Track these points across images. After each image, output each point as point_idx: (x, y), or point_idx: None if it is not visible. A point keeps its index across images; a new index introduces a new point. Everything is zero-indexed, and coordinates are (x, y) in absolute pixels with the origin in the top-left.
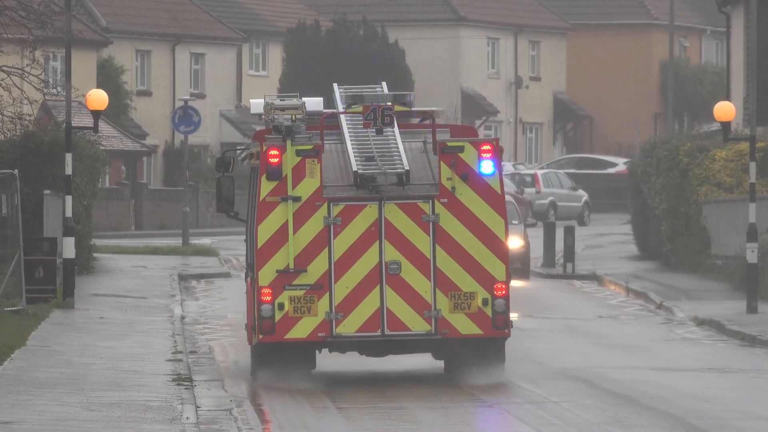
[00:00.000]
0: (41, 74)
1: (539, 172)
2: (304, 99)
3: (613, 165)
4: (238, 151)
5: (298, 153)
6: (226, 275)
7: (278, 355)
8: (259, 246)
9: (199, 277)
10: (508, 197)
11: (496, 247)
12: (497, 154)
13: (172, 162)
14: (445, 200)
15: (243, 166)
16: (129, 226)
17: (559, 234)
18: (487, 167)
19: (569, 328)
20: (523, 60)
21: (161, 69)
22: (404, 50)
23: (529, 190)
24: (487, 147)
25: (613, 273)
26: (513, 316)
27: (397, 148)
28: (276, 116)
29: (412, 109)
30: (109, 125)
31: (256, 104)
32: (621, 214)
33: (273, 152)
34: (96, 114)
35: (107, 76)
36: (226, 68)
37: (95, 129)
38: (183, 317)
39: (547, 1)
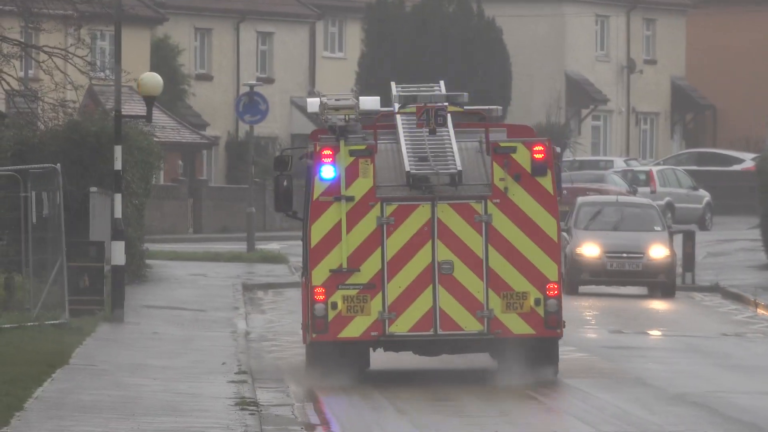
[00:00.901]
0: (87, 55)
1: (654, 169)
2: (361, 98)
3: (740, 161)
4: (297, 150)
5: (351, 153)
6: (297, 285)
7: (332, 353)
8: (312, 245)
9: (266, 287)
10: (646, 201)
11: (549, 247)
12: (550, 155)
13: (235, 156)
14: (498, 201)
15: (302, 164)
16: (186, 228)
17: (678, 240)
18: (539, 168)
19: (688, 347)
20: (636, 41)
21: (224, 50)
22: (502, 29)
23: (643, 190)
24: (539, 148)
25: (739, 284)
26: (623, 333)
27: (451, 148)
28: (330, 116)
29: (465, 108)
30: (164, 114)
31: (312, 103)
32: (748, 217)
33: (326, 152)
34: (149, 101)
35: (162, 58)
36: (297, 49)
37: (148, 118)
38: (248, 333)
39: None
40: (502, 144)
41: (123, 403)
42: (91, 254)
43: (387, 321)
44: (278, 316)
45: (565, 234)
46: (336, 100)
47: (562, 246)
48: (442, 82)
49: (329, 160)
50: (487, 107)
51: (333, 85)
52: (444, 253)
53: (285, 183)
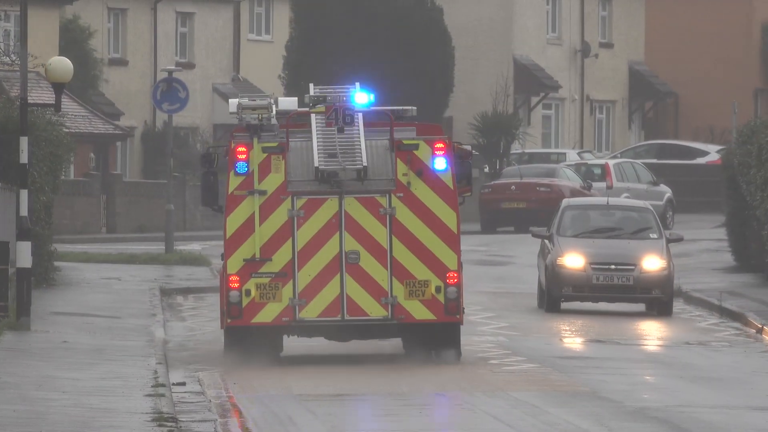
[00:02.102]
0: None
1: (611, 163)
2: (280, 99)
3: (704, 154)
4: (223, 144)
5: (264, 150)
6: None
7: (246, 338)
8: (227, 236)
9: (186, 291)
10: (642, 204)
11: (448, 238)
12: (450, 152)
13: (152, 148)
14: (401, 195)
15: (227, 161)
16: (99, 227)
17: None
18: (440, 164)
19: (648, 356)
20: (591, 22)
21: (139, 32)
22: (442, 9)
23: (599, 185)
24: (440, 145)
25: (703, 288)
26: (578, 342)
27: (359, 145)
28: (245, 115)
29: (371, 108)
30: (74, 102)
31: (232, 104)
32: (713, 215)
33: (240, 149)
34: (58, 88)
35: (72, 41)
36: (220, 31)
37: (57, 107)
38: (166, 341)
39: None
40: (405, 141)
41: (28, 419)
42: None
43: (297, 307)
44: (199, 324)
45: (546, 242)
46: (251, 100)
47: (544, 255)
48: (357, 84)
49: (243, 156)
50: (401, 107)
51: (259, 71)
52: (351, 244)
53: (211, 179)
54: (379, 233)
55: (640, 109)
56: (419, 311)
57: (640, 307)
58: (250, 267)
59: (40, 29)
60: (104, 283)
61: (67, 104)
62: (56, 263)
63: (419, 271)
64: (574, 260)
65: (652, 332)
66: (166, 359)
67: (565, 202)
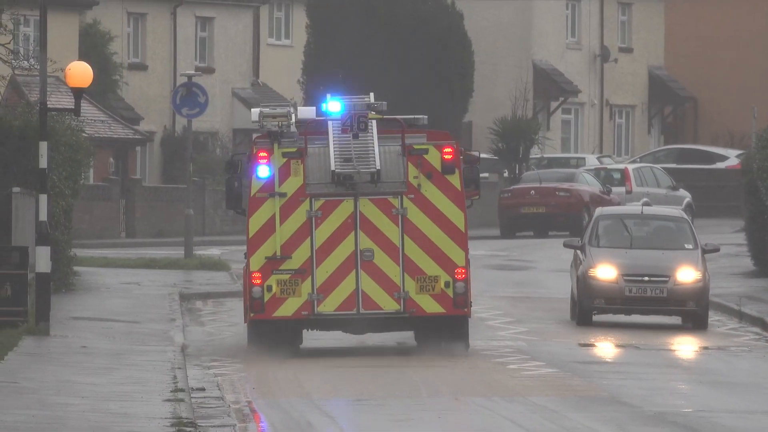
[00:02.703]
0: (9, 43)
1: (630, 167)
2: (300, 108)
3: (723, 158)
4: (246, 152)
5: (284, 155)
6: (239, 294)
7: (268, 331)
8: (250, 236)
9: (206, 296)
10: (678, 213)
11: (457, 236)
12: (458, 155)
13: (172, 153)
14: (412, 196)
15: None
16: (118, 232)
17: None
18: (448, 167)
19: (667, 361)
20: (610, 27)
21: (159, 37)
22: (463, 14)
23: (618, 190)
24: (448, 149)
25: (723, 293)
26: (597, 347)
27: (373, 150)
28: (266, 123)
29: (383, 116)
30: (93, 107)
31: (254, 112)
32: (733, 219)
33: (262, 154)
34: (78, 93)
35: (92, 46)
36: (239, 36)
37: (77, 111)
38: (185, 346)
39: None
40: (416, 146)
41: (48, 423)
42: (14, 261)
43: (316, 302)
44: (218, 329)
45: (579, 253)
46: (272, 108)
47: (576, 266)
48: (371, 94)
49: (264, 161)
50: (413, 116)
51: (278, 75)
52: (365, 242)
53: (235, 184)
54: (392, 232)
55: (660, 113)
56: (429, 305)
57: (675, 320)
58: (272, 264)
59: (59, 34)
60: (123, 288)
61: (87, 109)
62: (75, 268)
63: (429, 267)
64: (606, 271)
65: (672, 338)
66: (186, 364)
67: (598, 211)
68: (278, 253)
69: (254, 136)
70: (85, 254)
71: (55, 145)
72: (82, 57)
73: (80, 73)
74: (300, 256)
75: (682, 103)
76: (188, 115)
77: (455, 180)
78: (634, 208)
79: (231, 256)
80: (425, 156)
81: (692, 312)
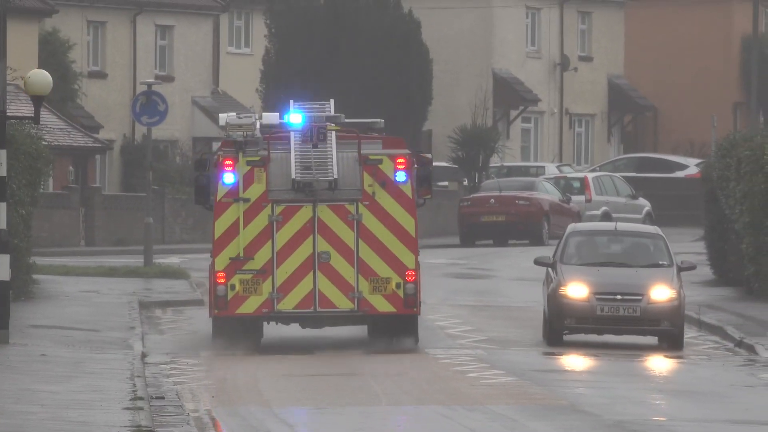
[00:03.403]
0: None
1: (590, 176)
2: (264, 114)
3: (683, 167)
4: (215, 153)
5: (248, 163)
6: (199, 303)
7: (231, 326)
8: (215, 238)
9: (165, 305)
10: (653, 229)
11: (408, 241)
12: (410, 165)
13: (131, 161)
14: (367, 203)
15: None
16: (78, 240)
17: None
18: (400, 176)
19: (626, 370)
20: (570, 35)
21: (119, 45)
22: (420, 22)
23: (578, 198)
24: (401, 160)
25: None
26: (556, 355)
27: (332, 159)
28: (231, 132)
29: (344, 122)
30: (53, 115)
31: (222, 118)
32: (692, 228)
33: (228, 162)
34: (37, 101)
35: (51, 54)
36: (199, 44)
37: (36, 119)
38: (144, 355)
39: None
40: (371, 156)
41: None
42: None
43: (276, 300)
44: (177, 337)
45: (550, 270)
46: (239, 117)
47: (548, 284)
48: (332, 101)
49: (230, 168)
50: (369, 120)
51: (238, 83)
52: (323, 245)
53: (204, 181)
54: (348, 236)
55: (620, 122)
56: (382, 304)
57: (651, 340)
58: (235, 265)
59: (18, 42)
60: (83, 296)
61: (46, 117)
62: (35, 276)
63: (382, 269)
64: (577, 290)
65: (631, 347)
66: (145, 372)
67: (570, 227)
68: (241, 254)
69: (219, 143)
70: (45, 262)
71: (15, 153)
72: (42, 65)
73: (40, 81)
74: (262, 257)
75: (642, 111)
76: (148, 123)
77: (407, 188)
78: (606, 224)
79: (191, 265)
80: (380, 166)
81: (667, 332)
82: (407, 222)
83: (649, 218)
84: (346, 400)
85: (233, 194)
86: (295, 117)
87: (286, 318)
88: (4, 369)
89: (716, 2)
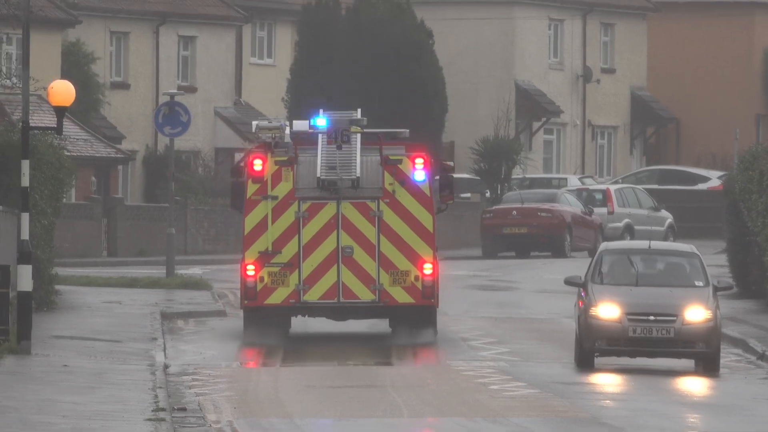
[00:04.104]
0: None
1: (612, 188)
2: (295, 121)
3: (705, 179)
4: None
5: (276, 163)
6: (221, 314)
7: (260, 316)
8: (245, 233)
9: (187, 315)
10: (688, 248)
11: (426, 236)
12: (428, 165)
13: (154, 172)
14: (388, 200)
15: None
16: (100, 251)
17: None
18: (419, 175)
19: (649, 383)
20: (593, 47)
21: (142, 55)
22: (431, 31)
23: (600, 210)
24: (419, 160)
25: None
26: (579, 368)
27: (355, 160)
28: (261, 134)
29: (364, 131)
30: (76, 125)
31: (254, 125)
32: (714, 240)
33: (257, 161)
34: (60, 111)
35: (74, 64)
36: (222, 55)
37: (59, 130)
38: (166, 366)
39: None
40: (391, 157)
41: None
42: None
43: (302, 291)
44: (200, 348)
45: (581, 290)
46: (269, 122)
47: (577, 306)
48: (359, 110)
49: (260, 168)
50: (394, 130)
51: (261, 94)
52: (346, 240)
53: (240, 187)
54: (369, 232)
55: (642, 134)
56: (401, 295)
57: (687, 364)
58: (264, 258)
59: (42, 52)
60: (105, 307)
61: (69, 128)
62: (57, 287)
63: (401, 263)
64: (608, 310)
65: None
66: (167, 383)
67: (602, 246)
68: (270, 249)
69: (254, 145)
70: (67, 273)
71: (38, 163)
72: (65, 75)
73: (62, 91)
74: (289, 251)
75: (665, 123)
76: (170, 134)
77: (425, 187)
78: (640, 243)
79: (213, 275)
80: (399, 165)
81: (702, 354)
82: (425, 218)
83: (671, 230)
84: (367, 412)
85: (262, 192)
86: (321, 120)
87: (311, 309)
88: (26, 380)
89: (738, 14)
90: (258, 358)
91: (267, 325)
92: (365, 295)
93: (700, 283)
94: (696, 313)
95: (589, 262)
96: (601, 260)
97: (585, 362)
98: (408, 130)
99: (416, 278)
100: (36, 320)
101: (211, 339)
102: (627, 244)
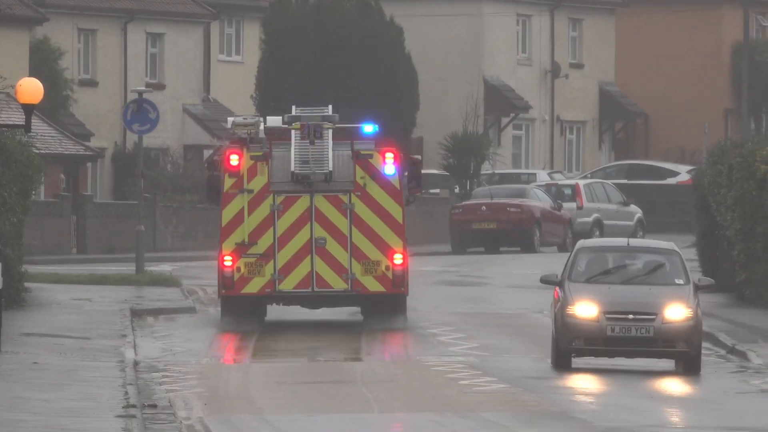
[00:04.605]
0: None
1: (581, 183)
2: (268, 117)
3: (674, 174)
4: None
5: (251, 158)
6: (191, 310)
7: (237, 305)
8: (223, 225)
9: (157, 312)
10: (668, 245)
11: (396, 227)
12: (397, 159)
13: (123, 169)
14: (359, 193)
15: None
16: (69, 248)
17: None
18: (389, 169)
19: (617, 377)
20: (561, 42)
21: (109, 53)
22: (402, 28)
23: (569, 205)
24: (389, 154)
25: None
26: (548, 362)
27: (327, 154)
28: (237, 130)
29: (336, 125)
30: (44, 123)
31: (229, 121)
32: (684, 235)
33: (233, 156)
34: (28, 109)
35: (42, 62)
36: (190, 52)
37: (27, 128)
38: (137, 363)
39: None
40: (362, 152)
41: None
42: None
43: (277, 281)
44: (170, 344)
45: (558, 289)
46: (243, 119)
47: (555, 304)
48: (330, 106)
49: (236, 162)
50: (361, 125)
51: (229, 91)
52: (319, 231)
53: (216, 182)
54: (342, 223)
55: (611, 129)
56: (372, 284)
57: (667, 364)
58: (241, 249)
59: (9, 50)
60: (75, 304)
61: (38, 125)
62: (26, 284)
63: (373, 253)
64: (585, 309)
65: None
66: (137, 380)
67: (579, 243)
68: (246, 240)
69: (229, 141)
70: (36, 270)
71: (6, 161)
72: (33, 73)
73: (31, 89)
74: (264, 242)
75: (633, 118)
76: (139, 131)
77: (395, 180)
78: (618, 240)
79: (182, 272)
80: (370, 160)
81: (683, 354)
82: (395, 211)
83: (640, 225)
84: (338, 407)
85: (238, 186)
86: (294, 117)
87: (286, 297)
88: None
89: (706, 9)
90: (228, 354)
91: (243, 313)
92: (338, 284)
93: (681, 281)
94: (676, 312)
95: (566, 260)
96: (577, 258)
97: (562, 363)
98: (377, 125)
99: (387, 268)
100: (5, 318)
101: (181, 335)
102: (605, 241)
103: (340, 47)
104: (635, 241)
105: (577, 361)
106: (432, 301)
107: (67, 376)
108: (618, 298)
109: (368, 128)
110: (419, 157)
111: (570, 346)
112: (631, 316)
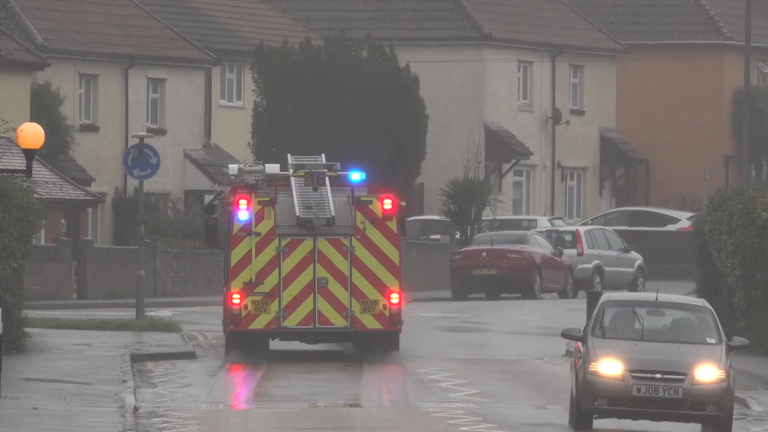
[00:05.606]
0: None
1: (582, 229)
2: (267, 165)
3: (675, 221)
4: (216, 195)
5: (259, 202)
6: (191, 356)
7: (243, 340)
8: (232, 265)
9: (157, 358)
10: (699, 302)
11: (393, 269)
12: (396, 206)
13: (123, 214)
14: (359, 237)
15: (225, 211)
16: (70, 294)
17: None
18: (387, 215)
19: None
20: (562, 89)
21: (111, 98)
22: (419, 78)
23: (570, 252)
24: (388, 201)
25: None
26: (548, 408)
27: (329, 200)
28: (245, 177)
29: (338, 172)
30: (45, 168)
31: (233, 168)
32: (684, 281)
33: (242, 201)
34: (29, 154)
35: (43, 107)
36: (191, 97)
37: (28, 173)
38: (136, 408)
39: (593, 16)
40: (362, 198)
41: None
42: None
43: (282, 318)
44: (170, 390)
45: (580, 345)
46: (249, 165)
47: (575, 359)
48: (323, 155)
49: (245, 207)
50: (347, 172)
51: (230, 136)
52: (322, 272)
53: (213, 224)
54: (342, 265)
55: (611, 175)
56: (371, 322)
57: (694, 427)
58: (248, 288)
59: (11, 95)
60: (75, 350)
61: (38, 170)
62: (27, 329)
63: (371, 292)
64: (610, 366)
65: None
66: (137, 426)
67: (604, 297)
68: (253, 279)
69: (226, 190)
70: (37, 315)
71: (7, 206)
72: (34, 118)
73: (32, 134)
74: (270, 282)
75: (634, 165)
76: (140, 176)
77: (392, 224)
78: (646, 294)
79: (182, 318)
80: (370, 206)
81: (713, 418)
82: (392, 253)
83: (641, 272)
84: None
85: (247, 229)
86: (297, 165)
87: (290, 333)
88: None
89: (707, 56)
90: (228, 399)
91: (248, 347)
92: (338, 321)
93: (712, 340)
94: (707, 373)
95: (589, 315)
96: (602, 313)
97: (582, 424)
98: (364, 173)
99: (384, 306)
100: (5, 363)
101: (181, 381)
102: (631, 295)
103: (339, 93)
104: (664, 296)
105: (597, 423)
106: (432, 347)
107: (67, 422)
108: (645, 355)
109: (356, 176)
110: (404, 203)
111: (592, 406)
112: (658, 376)
